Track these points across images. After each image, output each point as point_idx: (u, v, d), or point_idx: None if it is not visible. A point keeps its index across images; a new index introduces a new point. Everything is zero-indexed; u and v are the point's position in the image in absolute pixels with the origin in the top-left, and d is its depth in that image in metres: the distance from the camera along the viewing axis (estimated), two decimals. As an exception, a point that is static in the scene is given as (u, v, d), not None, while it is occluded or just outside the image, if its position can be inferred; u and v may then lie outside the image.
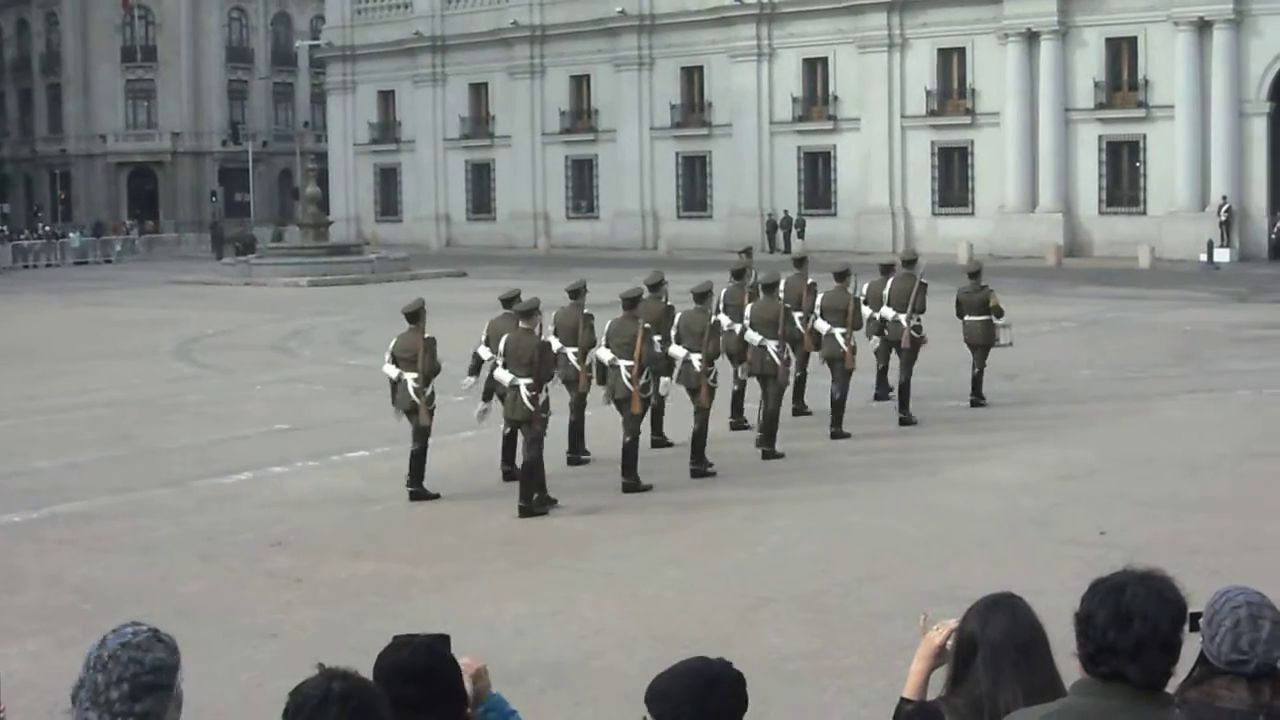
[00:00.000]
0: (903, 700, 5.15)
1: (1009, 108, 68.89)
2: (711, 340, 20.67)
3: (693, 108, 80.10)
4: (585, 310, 21.10)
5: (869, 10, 72.56)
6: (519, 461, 18.97)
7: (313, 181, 67.23)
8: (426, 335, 19.25)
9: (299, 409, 26.91)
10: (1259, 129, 63.95)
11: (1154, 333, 32.88)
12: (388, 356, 19.61)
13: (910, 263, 25.81)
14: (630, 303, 19.92)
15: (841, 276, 23.91)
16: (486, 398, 19.93)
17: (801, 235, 72.87)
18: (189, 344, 37.97)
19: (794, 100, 76.06)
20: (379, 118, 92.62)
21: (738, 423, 23.86)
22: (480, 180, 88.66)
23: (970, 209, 71.01)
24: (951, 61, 71.75)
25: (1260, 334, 36.37)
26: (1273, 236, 64.72)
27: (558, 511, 17.96)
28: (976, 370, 25.80)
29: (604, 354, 19.92)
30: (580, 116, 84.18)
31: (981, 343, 25.79)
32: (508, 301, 20.43)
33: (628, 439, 19.45)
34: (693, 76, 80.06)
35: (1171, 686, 4.52)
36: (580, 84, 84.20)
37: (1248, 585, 5.00)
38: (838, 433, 22.97)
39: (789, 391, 23.63)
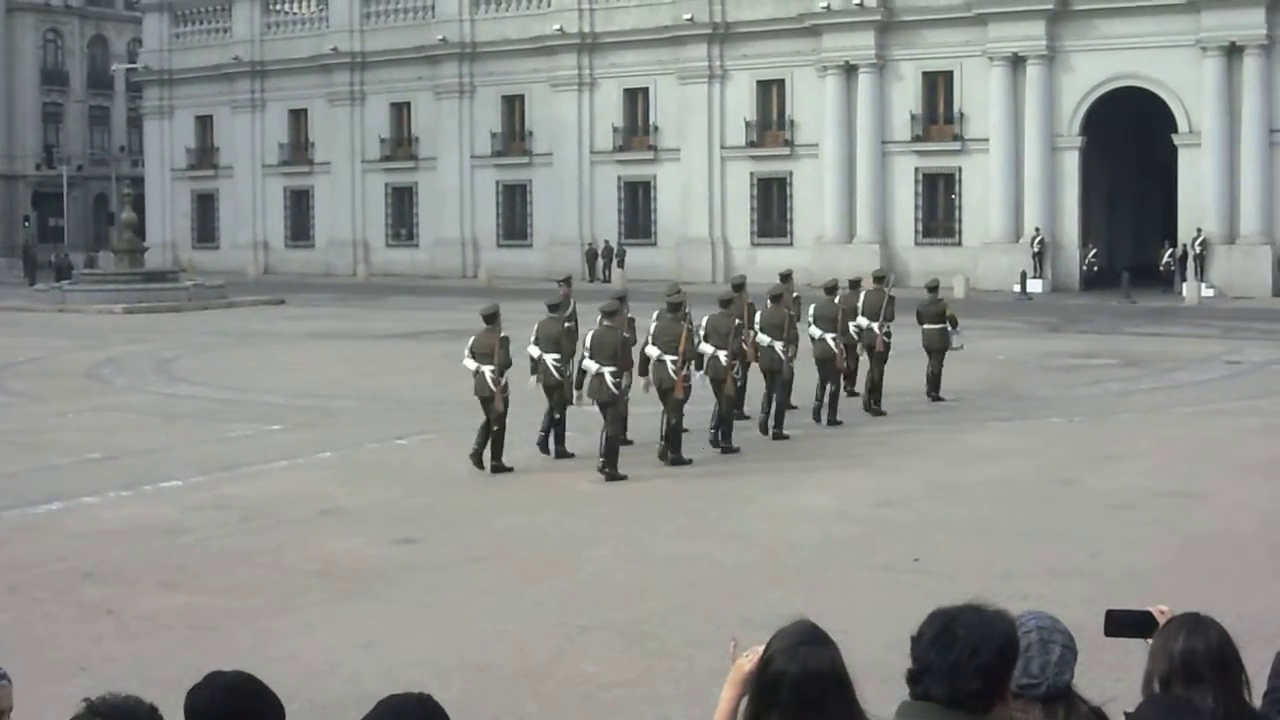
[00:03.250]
0: (712, 727, 5.15)
1: (827, 139, 69.69)
2: (734, 340, 24.39)
3: (513, 136, 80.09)
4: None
5: (689, 41, 73.09)
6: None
7: (128, 207, 66.26)
8: (501, 335, 22.51)
9: (112, 438, 26.46)
10: (1071, 162, 65.21)
11: (968, 362, 33.29)
12: (467, 352, 22.85)
13: (880, 279, 30.16)
14: (675, 307, 23.43)
15: (831, 290, 28.29)
16: (533, 372, 23.59)
17: (621, 265, 73.11)
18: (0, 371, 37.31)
19: (615, 130, 76.35)
20: (196, 143, 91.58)
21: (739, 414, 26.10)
22: (299, 207, 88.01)
23: (789, 239, 71.64)
24: (771, 93, 72.45)
25: (1071, 363, 37.05)
26: (1084, 268, 66.02)
27: (373, 542, 17.85)
28: (933, 370, 29.91)
29: (652, 350, 23.21)
30: (400, 144, 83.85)
31: (938, 347, 30.00)
32: (554, 307, 23.94)
33: (673, 421, 22.95)
34: (514, 105, 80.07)
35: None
36: (401, 111, 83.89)
37: (1044, 610, 5.07)
38: (832, 419, 26.86)
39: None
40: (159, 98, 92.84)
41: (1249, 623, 9.19)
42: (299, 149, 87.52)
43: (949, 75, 67.72)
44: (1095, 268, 66.47)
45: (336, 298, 64.64)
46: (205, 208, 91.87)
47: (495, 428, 22.36)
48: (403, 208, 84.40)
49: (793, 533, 18.15)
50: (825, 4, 68.71)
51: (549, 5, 78.00)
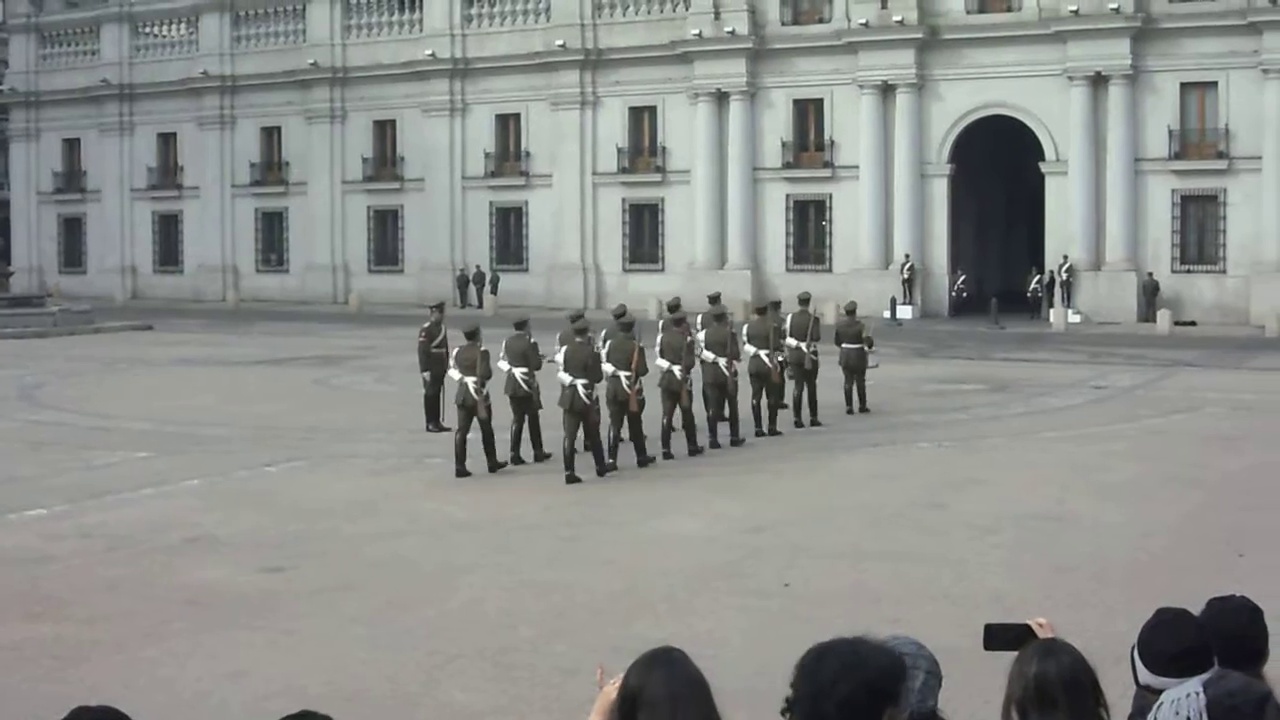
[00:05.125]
0: (579, 756, 5.13)
1: (699, 166, 69.94)
2: (687, 355, 26.65)
3: (385, 161, 79.75)
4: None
5: (561, 67, 73.14)
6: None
7: (-8, 231, 65.46)
8: (482, 349, 24.78)
9: (-26, 466, 26.09)
10: (940, 190, 65.85)
11: (838, 387, 33.42)
12: (451, 363, 25.36)
13: (805, 301, 32.42)
14: (626, 326, 25.86)
15: (761, 311, 30.78)
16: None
17: (494, 291, 73.00)
18: None
19: (487, 155, 76.22)
20: (64, 166, 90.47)
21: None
22: (168, 232, 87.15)
23: (660, 265, 71.79)
24: (642, 120, 72.58)
25: (940, 388, 37.35)
26: (953, 294, 66.67)
27: (242, 570, 17.68)
28: (848, 387, 32.28)
29: (607, 367, 24.91)
30: (271, 168, 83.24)
31: (855, 366, 32.28)
32: (519, 325, 26.05)
33: (614, 432, 25.18)
34: (385, 130, 79.74)
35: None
36: (271, 136, 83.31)
37: (913, 635, 5.09)
38: (772, 430, 29.23)
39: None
40: (25, 120, 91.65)
41: (1114, 644, 9.25)
42: (168, 173, 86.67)
43: (820, 103, 68.21)
44: (964, 294, 67.20)
45: (205, 324, 64.08)
46: (72, 232, 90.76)
47: (461, 434, 24.38)
48: (273, 233, 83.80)
49: (664, 559, 18.16)
50: (697, 31, 69.08)
51: (421, 30, 77.85)
